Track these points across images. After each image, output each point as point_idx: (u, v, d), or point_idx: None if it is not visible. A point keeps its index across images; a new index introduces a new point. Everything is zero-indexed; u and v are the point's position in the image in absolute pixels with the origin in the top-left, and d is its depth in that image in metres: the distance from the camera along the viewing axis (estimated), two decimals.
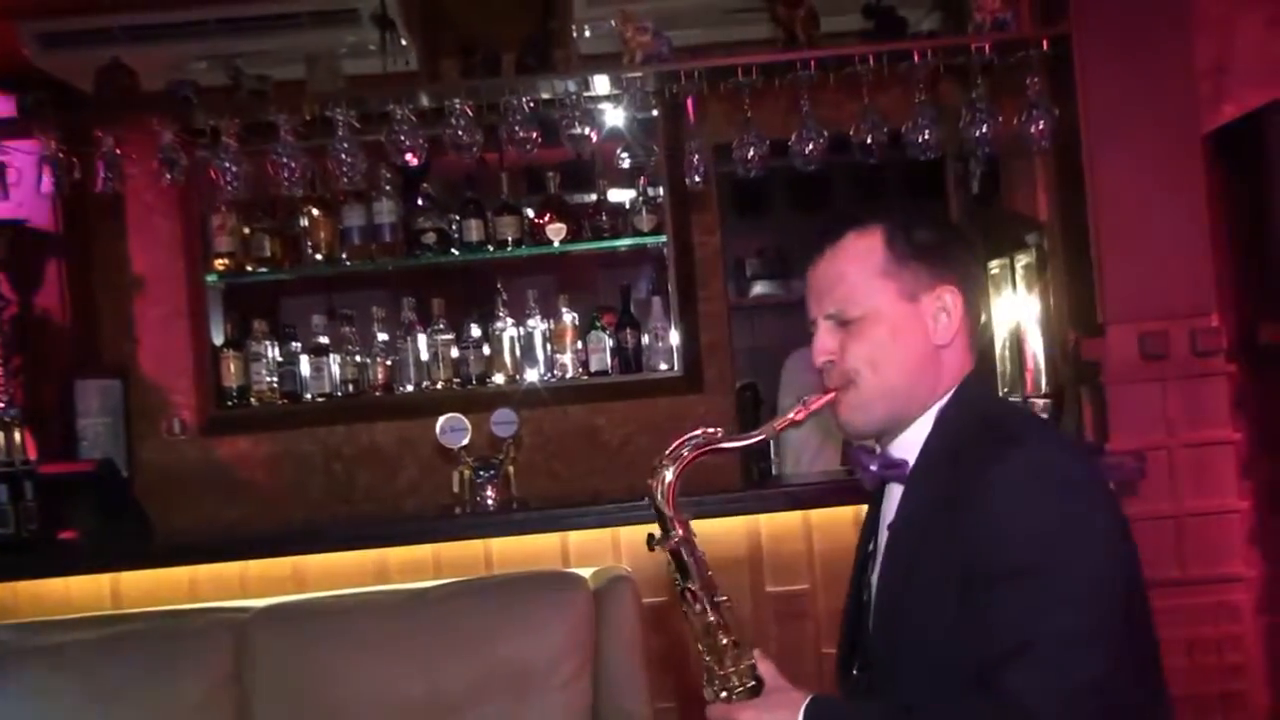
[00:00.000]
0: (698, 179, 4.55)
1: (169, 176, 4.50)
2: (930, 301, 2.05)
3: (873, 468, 2.12)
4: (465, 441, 4.29)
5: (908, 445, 2.09)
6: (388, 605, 3.55)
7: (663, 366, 5.27)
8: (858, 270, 2.05)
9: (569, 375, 5.17)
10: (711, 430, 2.11)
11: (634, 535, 4.07)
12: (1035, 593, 1.81)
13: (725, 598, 2.12)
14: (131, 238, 5.34)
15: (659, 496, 2.09)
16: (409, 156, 4.47)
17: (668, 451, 2.11)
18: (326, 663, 3.41)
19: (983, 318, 2.15)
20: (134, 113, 4.60)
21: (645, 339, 5.28)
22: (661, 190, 5.26)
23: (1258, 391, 4.50)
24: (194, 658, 3.41)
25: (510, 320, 5.18)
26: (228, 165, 4.47)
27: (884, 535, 2.10)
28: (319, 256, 5.21)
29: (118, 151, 4.52)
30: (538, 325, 5.20)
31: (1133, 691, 1.94)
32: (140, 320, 5.36)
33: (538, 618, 3.43)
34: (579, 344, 5.18)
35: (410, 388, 5.16)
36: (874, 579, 2.13)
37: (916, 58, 4.38)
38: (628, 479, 5.27)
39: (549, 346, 5.20)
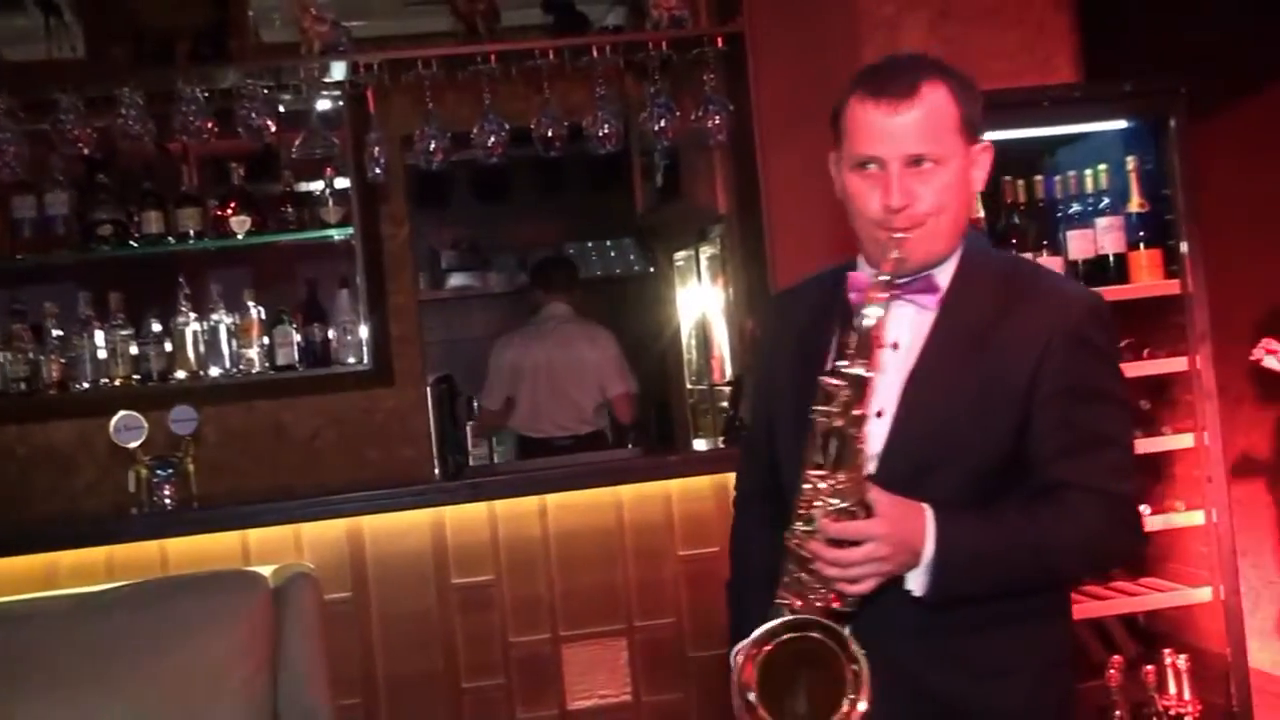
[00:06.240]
0: (378, 171, 4.53)
1: None
2: (978, 152, 2.27)
3: (900, 289, 2.20)
4: (140, 440, 4.18)
5: (940, 275, 2.27)
6: (53, 612, 3.43)
7: (351, 360, 5.18)
8: (939, 119, 2.19)
9: (255, 370, 5.03)
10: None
11: (317, 531, 4.04)
12: (1114, 408, 2.21)
13: None
14: None
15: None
16: (79, 145, 4.32)
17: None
18: None
19: None
20: None
21: (333, 333, 5.19)
22: (348, 182, 5.18)
23: None
24: None
25: (193, 315, 5.00)
26: None
27: (888, 355, 2.21)
28: None
29: None
30: (223, 319, 5.04)
31: None
32: None
33: (212, 618, 3.38)
34: (265, 338, 5.06)
35: (87, 385, 4.96)
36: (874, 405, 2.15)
37: (596, 53, 4.45)
38: (317, 474, 5.21)
39: (234, 341, 5.06)
